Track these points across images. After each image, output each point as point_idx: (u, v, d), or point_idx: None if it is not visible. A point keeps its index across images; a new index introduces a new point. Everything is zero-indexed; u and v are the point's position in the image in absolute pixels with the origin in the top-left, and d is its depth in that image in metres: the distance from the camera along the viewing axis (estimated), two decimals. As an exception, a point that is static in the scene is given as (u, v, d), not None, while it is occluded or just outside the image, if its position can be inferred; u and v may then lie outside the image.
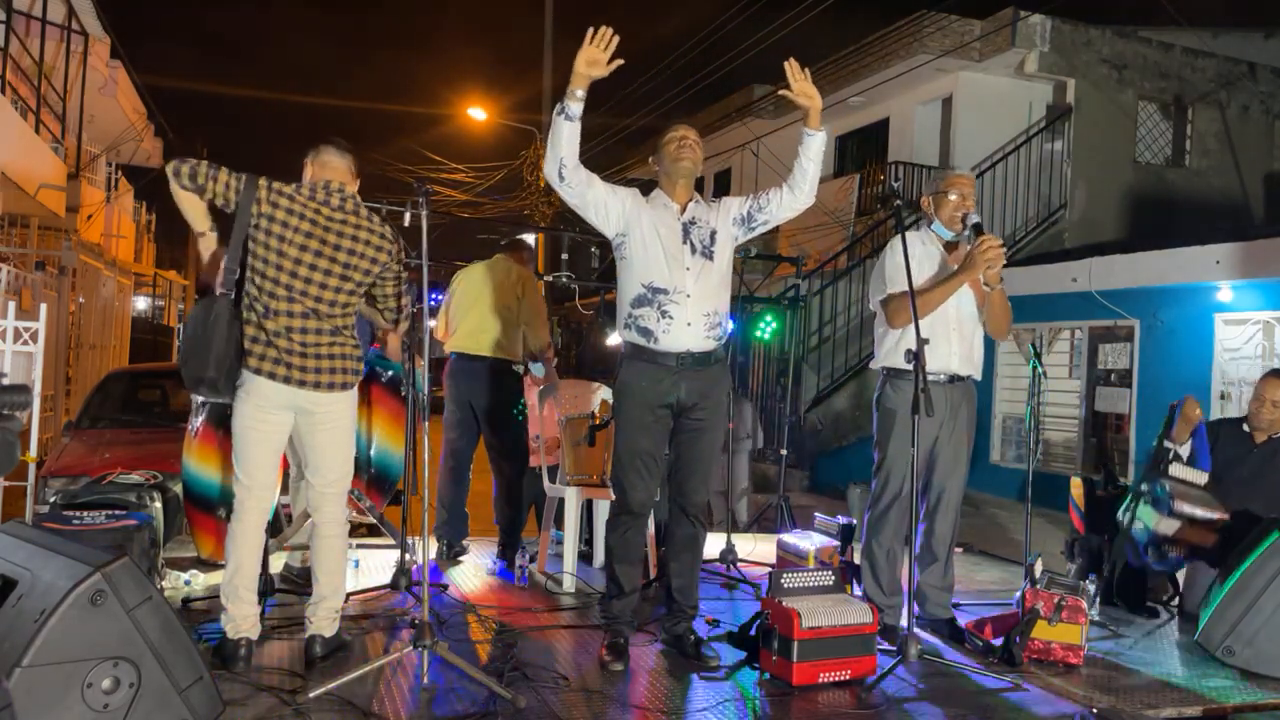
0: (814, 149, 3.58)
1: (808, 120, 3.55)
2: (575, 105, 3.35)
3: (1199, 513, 4.31)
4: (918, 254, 3.94)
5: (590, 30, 3.28)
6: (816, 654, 3.30)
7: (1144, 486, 4.44)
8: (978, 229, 3.81)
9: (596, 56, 3.29)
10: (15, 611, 2.59)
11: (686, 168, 3.62)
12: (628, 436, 3.61)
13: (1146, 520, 4.38)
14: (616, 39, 3.27)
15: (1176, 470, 4.41)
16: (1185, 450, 4.61)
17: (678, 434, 3.65)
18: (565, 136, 3.40)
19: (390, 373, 4.99)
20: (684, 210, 3.63)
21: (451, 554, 5.09)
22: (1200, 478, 4.39)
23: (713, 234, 3.62)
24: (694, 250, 3.58)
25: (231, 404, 3.37)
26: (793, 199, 3.64)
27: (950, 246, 4.01)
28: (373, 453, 4.92)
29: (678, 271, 3.54)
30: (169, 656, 2.60)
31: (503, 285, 5.22)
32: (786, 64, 3.48)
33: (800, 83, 3.48)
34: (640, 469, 3.59)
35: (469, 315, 5.17)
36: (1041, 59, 12.70)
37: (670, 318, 3.53)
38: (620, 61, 3.31)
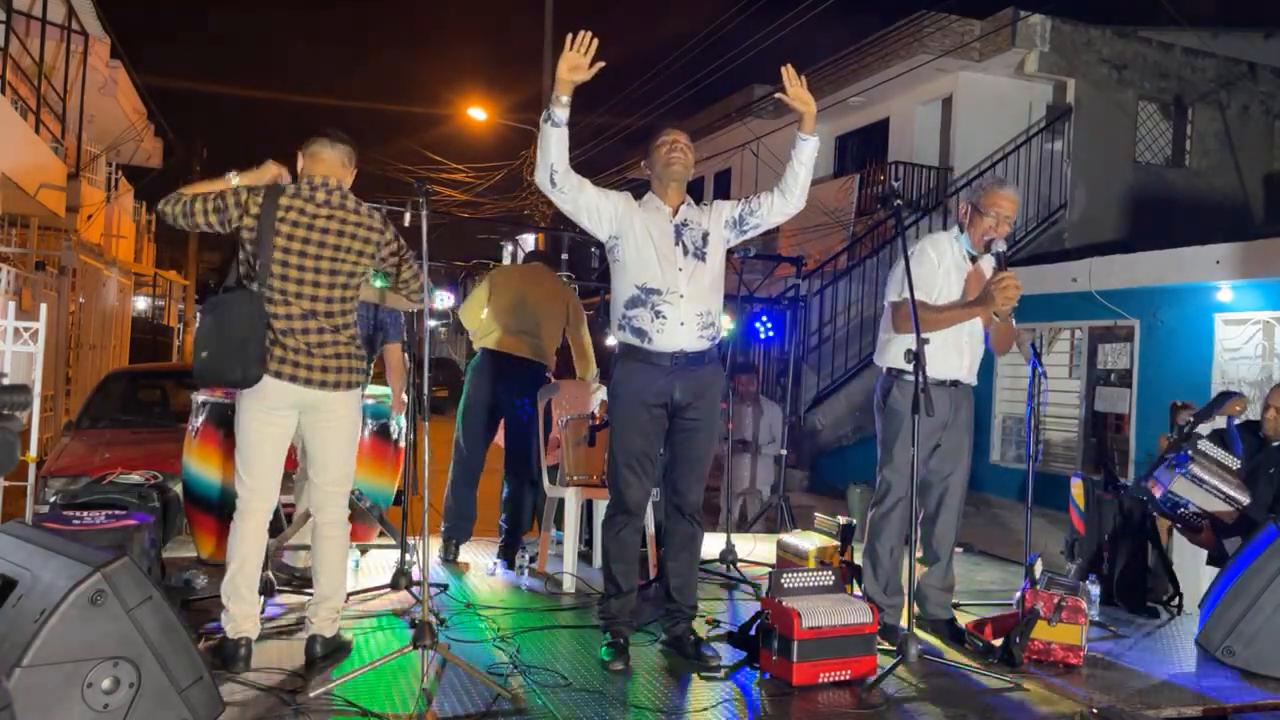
0: (806, 153, 3.60)
1: (802, 125, 3.59)
2: (561, 111, 3.38)
3: (1215, 482, 4.41)
4: (947, 261, 3.93)
5: (569, 36, 3.31)
6: (816, 654, 3.30)
7: (1169, 454, 4.50)
8: (1000, 258, 3.79)
9: (578, 62, 3.31)
10: (15, 611, 2.59)
11: (678, 171, 3.64)
12: (622, 436, 3.62)
13: (1167, 480, 4.48)
14: (596, 42, 3.30)
15: (1205, 445, 4.47)
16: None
17: (673, 434, 3.66)
18: (554, 143, 3.42)
19: (380, 421, 4.95)
20: (676, 213, 3.65)
21: (451, 555, 5.07)
22: (1233, 461, 4.48)
23: (705, 235, 3.64)
24: (686, 252, 3.60)
25: (233, 402, 3.38)
26: (783, 203, 3.66)
27: (973, 259, 3.99)
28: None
29: (670, 272, 3.56)
30: (169, 656, 2.60)
31: (549, 293, 5.24)
32: (784, 69, 3.51)
33: (795, 88, 3.50)
34: (635, 468, 3.60)
35: (513, 315, 5.09)
36: (1041, 59, 12.71)
37: (664, 318, 3.54)
38: (602, 64, 3.33)
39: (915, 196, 13.28)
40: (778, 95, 3.59)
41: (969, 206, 3.98)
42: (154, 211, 3.35)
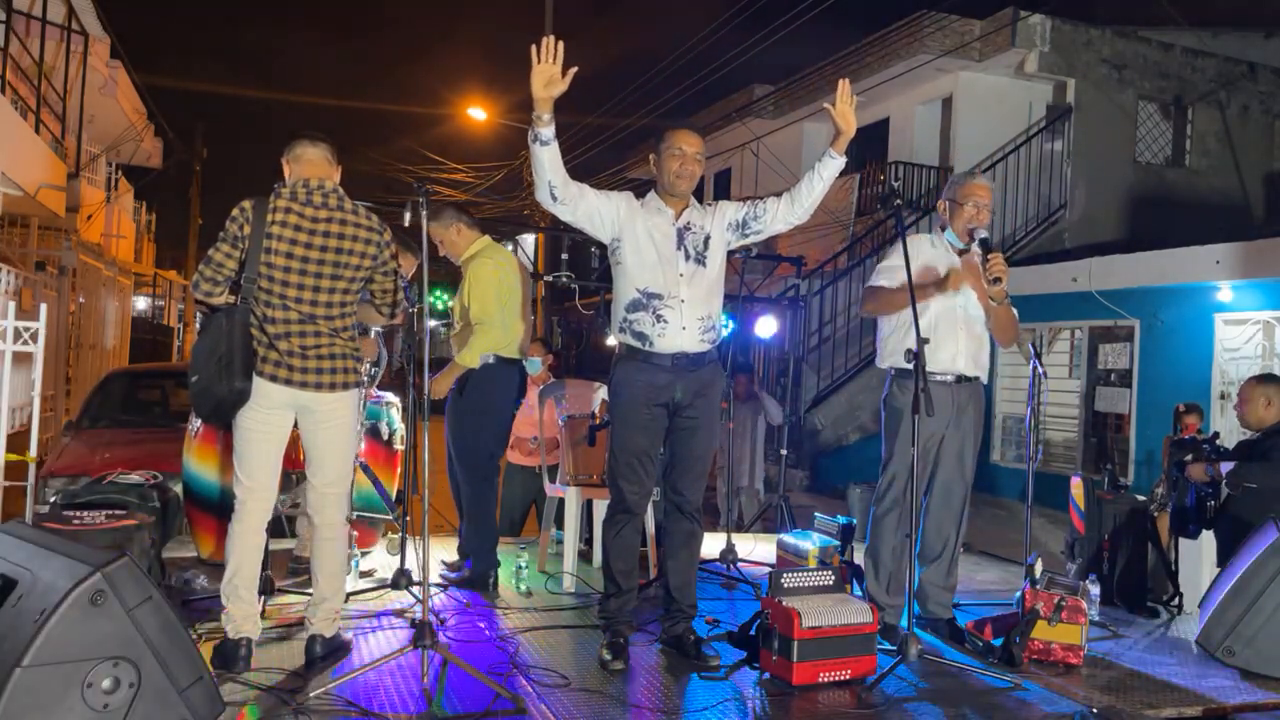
0: (829, 170, 3.61)
1: (835, 142, 3.58)
2: (546, 129, 3.32)
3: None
4: (923, 258, 3.94)
5: (533, 48, 3.20)
6: (816, 654, 3.30)
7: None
8: (985, 244, 3.84)
9: (552, 74, 3.21)
10: (15, 611, 2.59)
11: (684, 189, 3.64)
12: (623, 435, 3.62)
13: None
14: (561, 45, 3.20)
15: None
16: None
17: (672, 433, 3.66)
18: (547, 161, 3.39)
19: (371, 421, 4.90)
20: (679, 216, 3.65)
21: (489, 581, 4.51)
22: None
23: (706, 239, 3.64)
24: (687, 256, 3.60)
25: None
26: (789, 212, 3.67)
27: (963, 253, 4.01)
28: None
29: (671, 276, 3.56)
30: (169, 656, 2.60)
31: (524, 279, 4.69)
32: (841, 82, 3.54)
33: (845, 105, 3.52)
34: (636, 466, 3.60)
35: (516, 313, 4.52)
36: (1041, 59, 12.71)
37: (665, 322, 3.54)
38: (575, 69, 3.23)
39: (915, 196, 13.28)
40: (825, 105, 3.58)
41: (946, 202, 4.03)
42: (198, 307, 3.37)
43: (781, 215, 3.68)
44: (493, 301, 4.40)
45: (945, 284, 3.81)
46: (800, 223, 3.73)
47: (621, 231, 3.61)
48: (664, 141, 3.65)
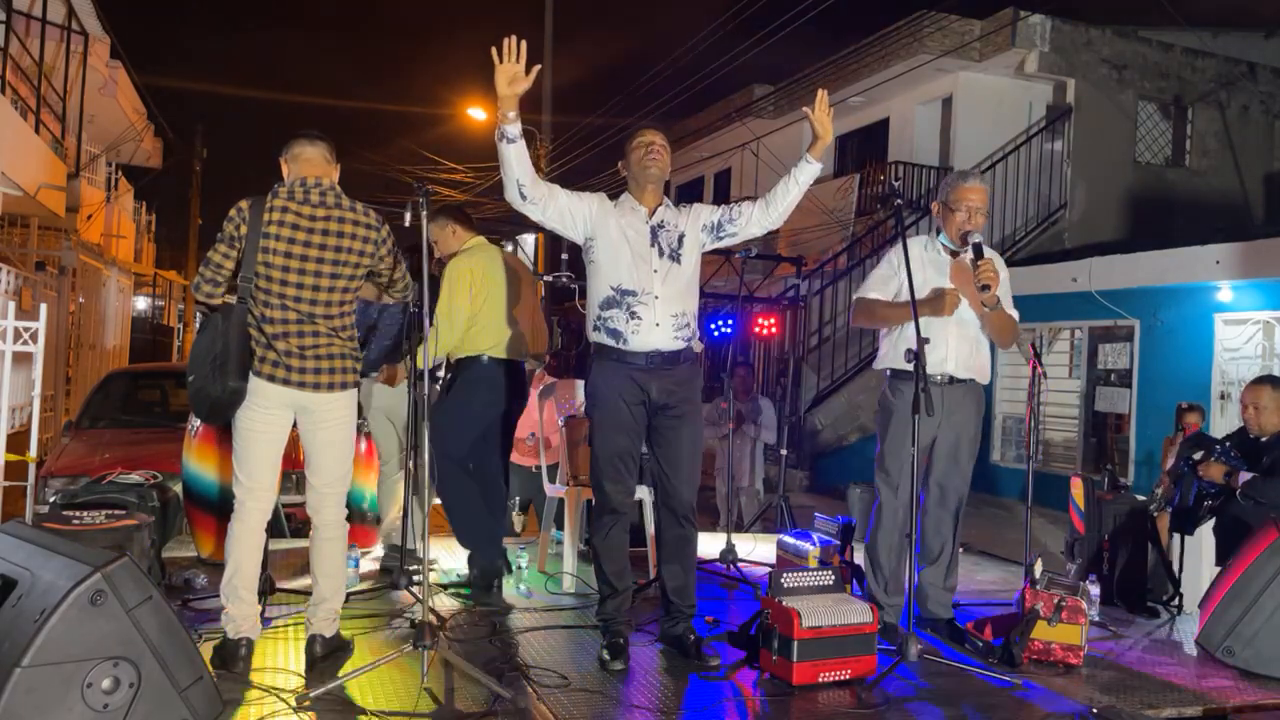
0: (805, 176, 3.65)
1: (812, 148, 3.62)
2: (512, 127, 3.35)
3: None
4: (918, 264, 3.92)
5: (494, 50, 3.25)
6: (816, 653, 3.30)
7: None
8: (977, 250, 3.81)
9: (515, 72, 3.27)
10: (15, 611, 2.59)
11: (654, 174, 3.64)
12: (603, 436, 3.61)
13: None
14: (524, 44, 3.26)
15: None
16: None
17: (655, 434, 3.65)
18: (514, 159, 3.41)
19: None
20: (652, 214, 3.66)
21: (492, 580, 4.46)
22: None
23: (680, 237, 3.65)
24: (661, 253, 3.61)
25: None
26: (764, 216, 3.69)
27: (955, 254, 4.00)
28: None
29: (645, 273, 3.57)
30: (169, 656, 2.60)
31: (520, 279, 4.60)
32: (820, 91, 3.59)
33: (822, 112, 3.57)
34: (619, 466, 3.60)
35: (501, 313, 4.42)
36: (1041, 59, 12.72)
37: (639, 319, 3.54)
38: (539, 66, 3.29)
39: (915, 196, 13.29)
40: (804, 109, 3.62)
41: (940, 205, 4.02)
42: (198, 308, 3.37)
43: (756, 219, 3.70)
44: (457, 299, 4.29)
45: (937, 306, 3.81)
46: (775, 227, 3.77)
47: (594, 230, 3.62)
48: (628, 143, 3.70)
